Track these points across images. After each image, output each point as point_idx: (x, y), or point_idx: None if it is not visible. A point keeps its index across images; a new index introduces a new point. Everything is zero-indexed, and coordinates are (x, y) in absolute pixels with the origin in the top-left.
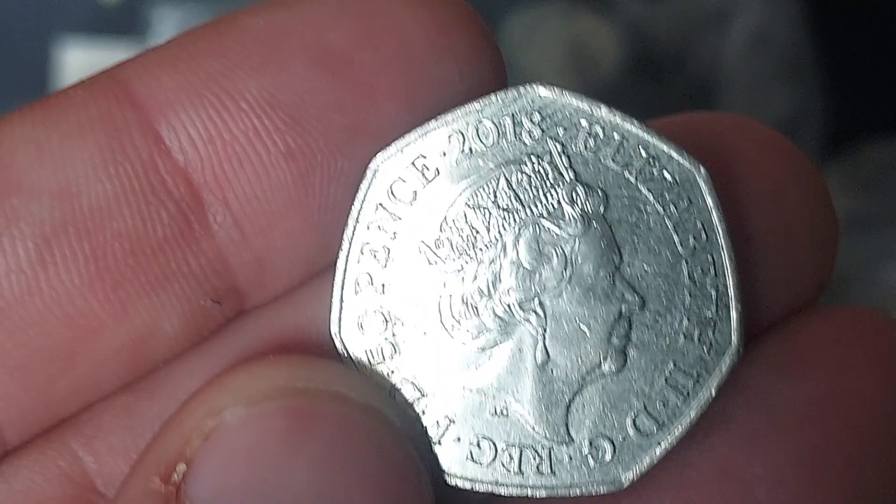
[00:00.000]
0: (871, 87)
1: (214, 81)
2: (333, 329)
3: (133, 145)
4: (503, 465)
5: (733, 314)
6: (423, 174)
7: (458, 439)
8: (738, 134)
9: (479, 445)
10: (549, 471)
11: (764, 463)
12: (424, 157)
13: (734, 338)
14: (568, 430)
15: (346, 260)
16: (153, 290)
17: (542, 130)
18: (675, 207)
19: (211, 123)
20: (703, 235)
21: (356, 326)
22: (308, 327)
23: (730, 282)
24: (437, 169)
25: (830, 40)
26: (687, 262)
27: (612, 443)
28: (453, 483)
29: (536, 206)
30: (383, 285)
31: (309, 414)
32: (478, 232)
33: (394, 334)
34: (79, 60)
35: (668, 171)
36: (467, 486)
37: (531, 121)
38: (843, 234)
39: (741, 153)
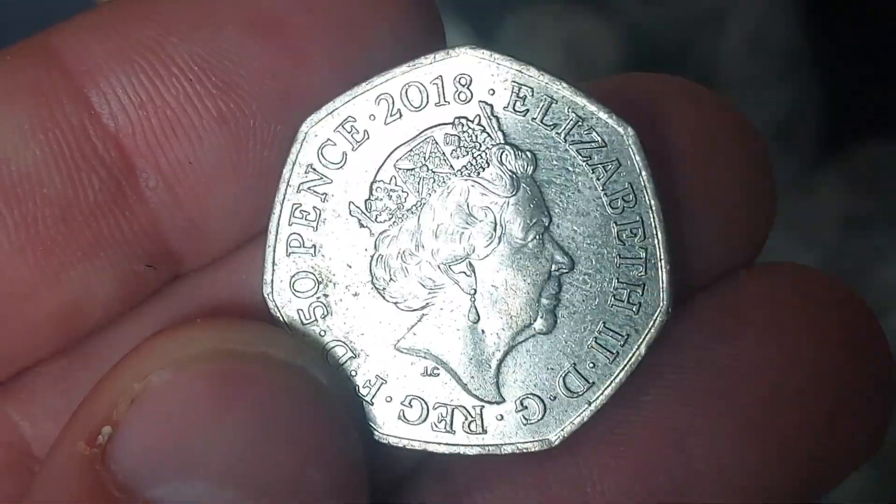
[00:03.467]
0: (868, 88)
1: (146, 47)
2: (266, 290)
3: (63, 112)
4: (434, 424)
5: (662, 275)
6: (353, 137)
7: (390, 399)
8: (671, 94)
9: (410, 405)
10: (480, 430)
11: (695, 419)
12: (354, 120)
13: (663, 298)
14: (499, 389)
15: (278, 222)
16: (85, 255)
17: (471, 93)
18: (604, 168)
19: (142, 89)
20: (632, 196)
21: (288, 288)
22: (242, 290)
23: (658, 243)
24: (367, 132)
25: (827, 41)
26: (616, 224)
27: (543, 402)
28: (385, 441)
29: (465, 168)
30: (315, 246)
31: (235, 376)
32: (408, 194)
33: (326, 295)
34: None
35: (596, 132)
36: (399, 444)
37: (460, 83)
38: (839, 235)
39: (674, 113)
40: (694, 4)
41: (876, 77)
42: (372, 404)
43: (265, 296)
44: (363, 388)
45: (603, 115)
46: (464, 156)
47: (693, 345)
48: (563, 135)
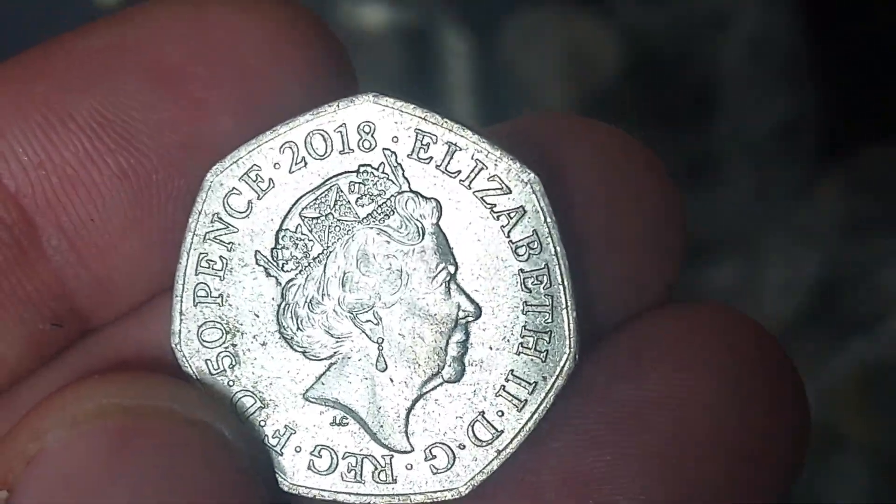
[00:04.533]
0: (870, 91)
1: (43, 103)
2: (173, 341)
3: None
4: (343, 474)
5: (569, 322)
6: (258, 185)
7: (299, 449)
8: (576, 134)
9: (319, 454)
10: (390, 479)
11: (603, 464)
12: (258, 168)
13: (569, 346)
14: (408, 438)
15: (185, 272)
16: None
17: (375, 140)
18: (508, 216)
19: (40, 147)
20: (537, 244)
21: (196, 338)
22: (151, 343)
23: (564, 290)
24: (272, 180)
25: (829, 44)
26: (522, 271)
27: (451, 451)
28: (295, 491)
29: (370, 216)
30: (222, 296)
31: (131, 432)
32: (313, 242)
33: (234, 345)
34: None
35: (500, 179)
36: (308, 494)
37: (364, 131)
38: (841, 239)
39: (578, 154)
40: (695, 8)
41: (877, 81)
42: (281, 455)
43: (173, 347)
44: (272, 438)
45: (506, 162)
46: (368, 204)
47: (599, 387)
48: (467, 182)
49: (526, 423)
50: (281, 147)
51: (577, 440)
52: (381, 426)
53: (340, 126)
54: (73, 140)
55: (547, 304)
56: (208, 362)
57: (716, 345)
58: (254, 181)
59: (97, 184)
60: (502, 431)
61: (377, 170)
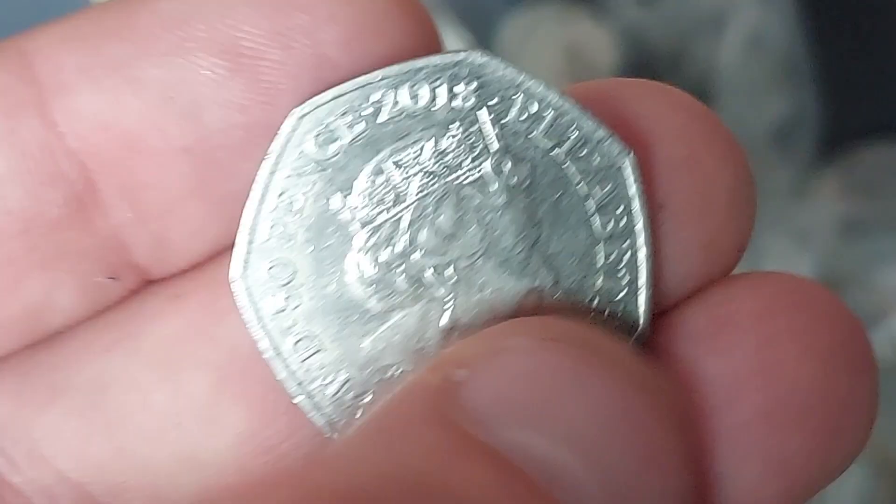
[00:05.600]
0: (868, 91)
1: (116, 67)
2: (232, 276)
3: (28, 126)
4: None
5: (643, 296)
6: (351, 127)
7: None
8: (651, 99)
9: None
10: None
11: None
12: (355, 110)
13: (642, 320)
14: None
15: (257, 208)
16: (45, 266)
17: (477, 98)
18: (600, 189)
19: (107, 109)
20: (624, 220)
21: (264, 277)
22: (221, 294)
23: (643, 254)
24: (367, 123)
25: (827, 44)
26: (603, 245)
27: None
28: None
29: (462, 173)
30: (294, 237)
31: (592, 361)
32: (400, 192)
33: (302, 284)
34: None
35: (597, 154)
36: None
37: (467, 87)
38: (839, 238)
39: (653, 119)
40: (693, 8)
41: (874, 81)
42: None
43: (231, 283)
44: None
45: (605, 137)
46: (462, 160)
47: (682, 363)
48: (563, 152)
49: None
50: (381, 92)
51: None
52: None
53: (445, 80)
54: (140, 107)
55: (624, 280)
56: (273, 301)
57: (800, 315)
58: (347, 122)
59: (160, 152)
60: None
61: (469, 128)
